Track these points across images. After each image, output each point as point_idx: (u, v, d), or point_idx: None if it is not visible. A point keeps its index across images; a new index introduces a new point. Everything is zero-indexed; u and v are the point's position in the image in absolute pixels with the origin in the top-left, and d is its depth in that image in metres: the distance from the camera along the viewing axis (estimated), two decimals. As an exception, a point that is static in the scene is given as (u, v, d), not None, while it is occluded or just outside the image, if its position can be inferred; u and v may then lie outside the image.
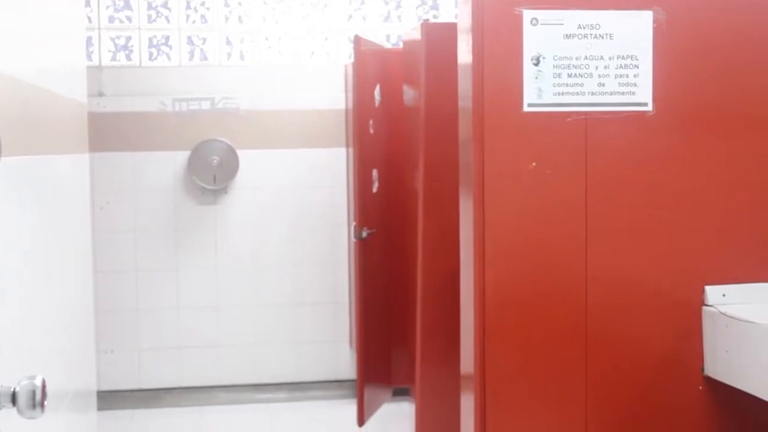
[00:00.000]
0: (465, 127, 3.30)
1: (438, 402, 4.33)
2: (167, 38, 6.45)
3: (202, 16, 6.47)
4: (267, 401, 6.34)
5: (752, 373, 3.12)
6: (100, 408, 4.59)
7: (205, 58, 6.47)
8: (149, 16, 6.43)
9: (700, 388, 3.35)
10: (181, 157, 6.24)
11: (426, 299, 4.36)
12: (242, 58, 6.50)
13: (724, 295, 3.32)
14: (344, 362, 6.41)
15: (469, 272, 3.26)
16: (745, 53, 3.33)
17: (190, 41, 6.46)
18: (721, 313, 3.24)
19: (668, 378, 3.34)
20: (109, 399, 6.14)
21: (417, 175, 4.47)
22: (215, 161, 6.20)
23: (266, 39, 6.51)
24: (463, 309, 3.38)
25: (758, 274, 3.37)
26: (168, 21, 6.45)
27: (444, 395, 4.16)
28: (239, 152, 6.25)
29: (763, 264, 3.38)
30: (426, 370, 4.41)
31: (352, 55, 5.33)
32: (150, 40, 6.44)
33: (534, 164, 3.20)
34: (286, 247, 6.37)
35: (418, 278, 4.38)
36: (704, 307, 3.32)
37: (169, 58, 6.44)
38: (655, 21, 3.25)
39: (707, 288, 3.32)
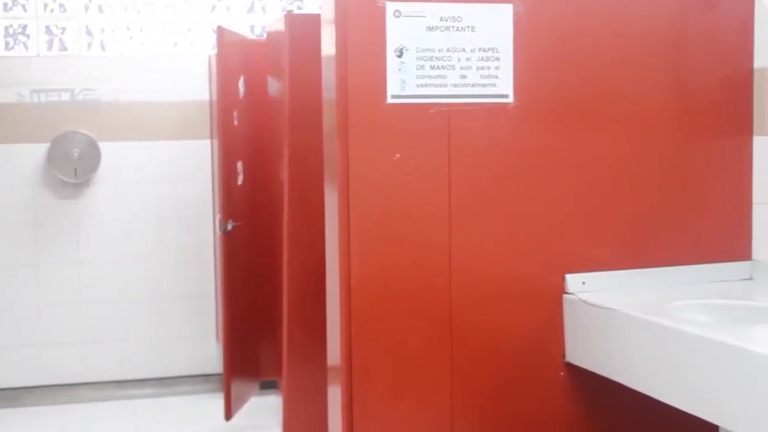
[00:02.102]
0: (329, 119, 3.30)
1: (305, 394, 4.33)
2: (24, 27, 6.27)
3: (61, 5, 6.31)
4: (133, 398, 6.24)
5: (611, 358, 3.20)
6: (-44, 409, 4.45)
7: (65, 49, 6.32)
8: (5, 5, 6.24)
9: (562, 374, 3.42)
10: (40, 149, 6.08)
11: (292, 291, 4.35)
12: (103, 48, 6.37)
13: (583, 283, 3.39)
14: (211, 356, 6.35)
15: (334, 264, 3.27)
16: (604, 45, 3.41)
17: (48, 31, 6.30)
18: (581, 300, 3.31)
19: (531, 365, 3.40)
20: (-34, 400, 5.96)
21: (282, 166, 4.44)
22: (76, 154, 6.06)
23: (128, 29, 6.39)
24: (328, 301, 3.38)
25: (616, 262, 3.45)
26: (25, 10, 6.27)
27: (311, 387, 4.16)
28: (101, 145, 6.12)
29: (621, 252, 3.47)
30: (293, 363, 4.40)
31: (216, 46, 5.27)
32: (6, 29, 6.25)
33: (398, 156, 3.21)
34: (151, 241, 6.27)
35: (284, 270, 4.36)
36: (565, 295, 3.39)
37: (26, 47, 6.27)
38: (515, 14, 3.29)
39: (567, 276, 3.39)
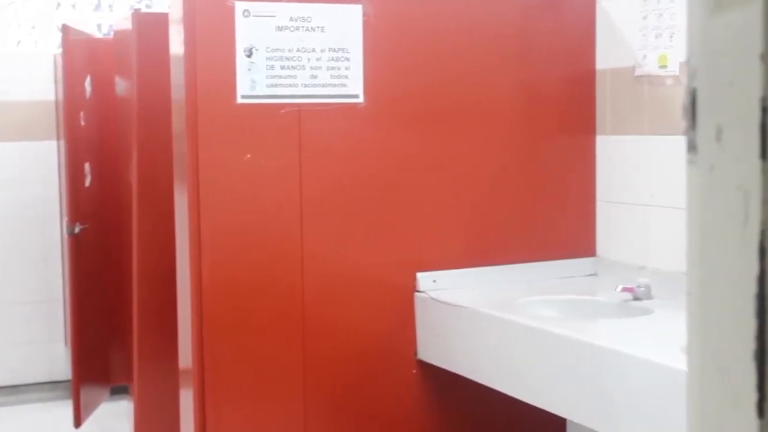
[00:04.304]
0: (178, 119, 3.26)
1: (157, 399, 4.26)
2: None
3: None
4: (-23, 407, 6.04)
5: (461, 355, 3.25)
6: None
7: None
8: None
9: (414, 371, 3.46)
10: None
11: (142, 294, 4.28)
12: (-58, 46, 6.14)
13: (434, 281, 3.43)
14: (60, 362, 6.19)
15: (185, 265, 3.23)
16: (452, 47, 3.46)
17: None
18: (432, 298, 3.35)
19: (384, 363, 3.43)
20: None
21: (131, 167, 4.37)
22: None
23: (-32, 26, 6.18)
24: (180, 303, 3.34)
25: (466, 260, 3.51)
26: None
27: (163, 392, 4.10)
28: (-60, 146, 5.91)
29: (471, 250, 3.52)
30: (144, 367, 4.33)
31: (61, 45, 5.15)
32: None
33: (249, 156, 3.20)
34: (-5, 245, 6.08)
35: (134, 273, 4.29)
36: (416, 293, 3.43)
37: None
38: (364, 15, 3.31)
39: (419, 275, 3.43)
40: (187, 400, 3.30)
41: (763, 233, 0.65)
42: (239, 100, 3.19)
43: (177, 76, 3.24)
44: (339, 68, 3.30)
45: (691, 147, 0.71)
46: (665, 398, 2.39)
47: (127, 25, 4.38)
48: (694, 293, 0.72)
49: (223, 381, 3.22)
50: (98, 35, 6.14)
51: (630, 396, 2.53)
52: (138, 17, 4.27)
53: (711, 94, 0.69)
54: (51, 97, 6.06)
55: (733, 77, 0.67)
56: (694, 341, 0.72)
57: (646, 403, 2.48)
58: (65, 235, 5.20)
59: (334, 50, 3.29)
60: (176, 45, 3.23)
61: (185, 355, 3.30)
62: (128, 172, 4.57)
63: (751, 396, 0.67)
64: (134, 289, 4.30)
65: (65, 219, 5.08)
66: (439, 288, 3.42)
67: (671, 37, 3.32)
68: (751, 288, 0.66)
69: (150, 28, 4.14)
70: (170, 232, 3.40)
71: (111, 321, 5.31)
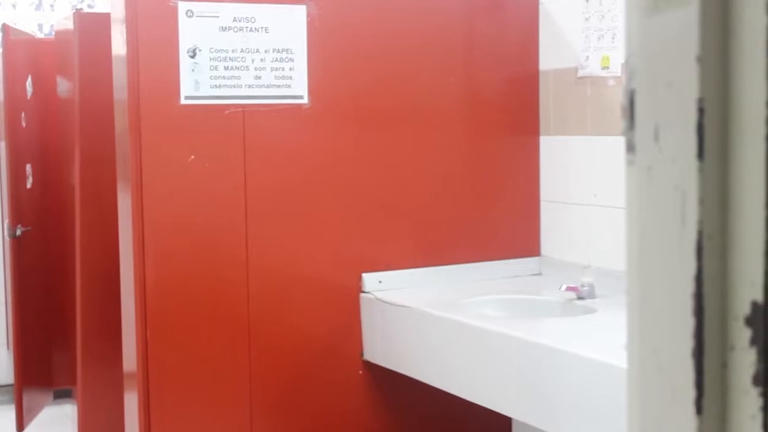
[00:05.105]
0: (121, 120, 3.23)
1: (101, 402, 4.23)
2: None
3: None
4: None
5: (407, 355, 3.25)
6: None
7: None
8: None
9: (360, 372, 3.46)
10: None
11: (86, 296, 4.24)
12: None
13: (380, 282, 3.44)
14: (1, 366, 6.12)
15: (128, 267, 3.20)
16: (397, 48, 3.46)
17: None
18: (378, 299, 3.35)
19: (330, 364, 3.42)
20: None
21: (73, 169, 4.33)
22: None
23: None
24: (124, 305, 3.31)
25: (412, 261, 3.52)
26: None
27: (107, 395, 4.06)
28: None
29: (416, 250, 3.53)
30: (88, 371, 4.29)
31: (1, 45, 5.08)
32: None
33: (193, 157, 3.18)
34: (-66, 248, 5.99)
35: (77, 275, 4.25)
36: (362, 294, 3.43)
37: None
38: (308, 15, 3.31)
39: (364, 275, 3.43)
40: (131, 403, 3.27)
41: (700, 233, 0.66)
42: (183, 101, 3.17)
43: (120, 77, 3.22)
44: (283, 69, 3.29)
45: (630, 147, 0.72)
46: (607, 396, 2.41)
47: (69, 24, 4.34)
48: (634, 292, 0.73)
49: (168, 384, 3.20)
50: (39, 35, 6.07)
51: (573, 394, 2.55)
52: (80, 17, 4.24)
53: (649, 94, 0.70)
54: (-9, 97, 5.97)
55: (670, 78, 0.68)
56: (634, 339, 0.73)
57: (589, 400, 2.50)
58: (7, 238, 5.14)
59: (279, 51, 3.28)
60: (119, 45, 3.21)
61: (129, 358, 3.27)
62: (70, 173, 4.52)
63: (690, 393, 0.67)
64: (77, 291, 4.26)
65: (6, 221, 5.02)
66: (385, 288, 3.42)
67: (613, 38, 3.35)
68: (688, 287, 0.67)
69: (92, 28, 4.11)
70: (113, 233, 3.37)
71: (54, 324, 5.26)
